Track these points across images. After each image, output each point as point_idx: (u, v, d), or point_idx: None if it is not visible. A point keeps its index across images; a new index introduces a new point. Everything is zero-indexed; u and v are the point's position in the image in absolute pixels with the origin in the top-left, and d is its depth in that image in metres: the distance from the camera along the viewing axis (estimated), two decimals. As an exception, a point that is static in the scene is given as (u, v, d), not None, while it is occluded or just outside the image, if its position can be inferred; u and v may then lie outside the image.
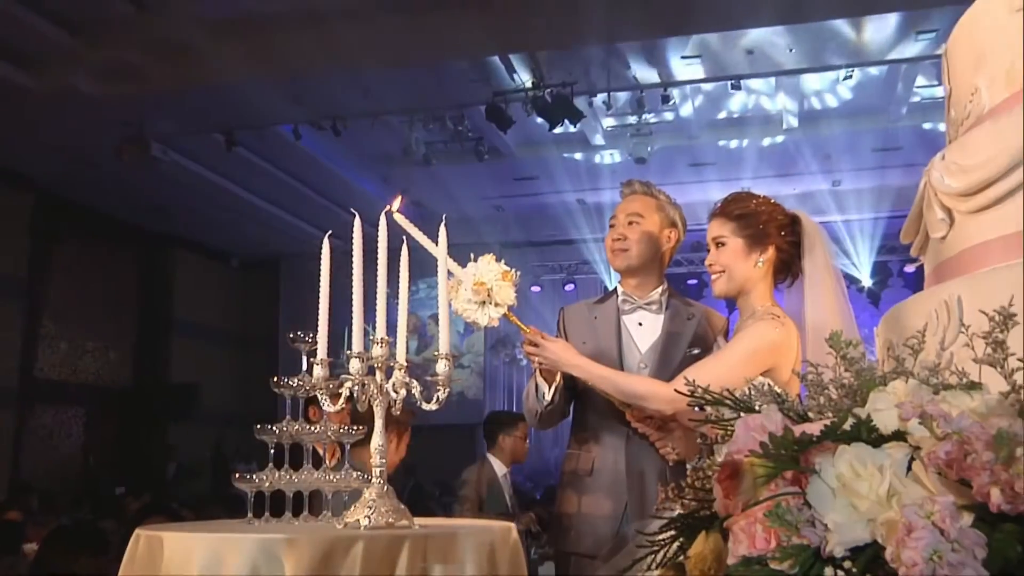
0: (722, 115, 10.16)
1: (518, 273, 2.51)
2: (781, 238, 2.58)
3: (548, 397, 2.85)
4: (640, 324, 3.03)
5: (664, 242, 3.06)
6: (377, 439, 2.06)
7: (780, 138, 10.44)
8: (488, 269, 2.48)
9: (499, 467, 5.42)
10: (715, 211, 2.65)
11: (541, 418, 2.94)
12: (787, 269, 2.61)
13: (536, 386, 2.90)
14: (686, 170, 10.79)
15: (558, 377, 2.84)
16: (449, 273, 2.34)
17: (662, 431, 2.70)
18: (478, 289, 2.44)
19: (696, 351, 2.91)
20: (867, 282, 12.69)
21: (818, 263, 2.54)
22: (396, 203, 2.24)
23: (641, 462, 2.86)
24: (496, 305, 2.47)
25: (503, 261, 2.53)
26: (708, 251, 2.66)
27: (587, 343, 2.95)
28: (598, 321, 3.04)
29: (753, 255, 2.57)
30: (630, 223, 3.03)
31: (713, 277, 2.63)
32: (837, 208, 11.69)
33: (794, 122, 9.98)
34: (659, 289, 3.06)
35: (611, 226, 3.10)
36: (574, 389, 2.98)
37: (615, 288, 3.13)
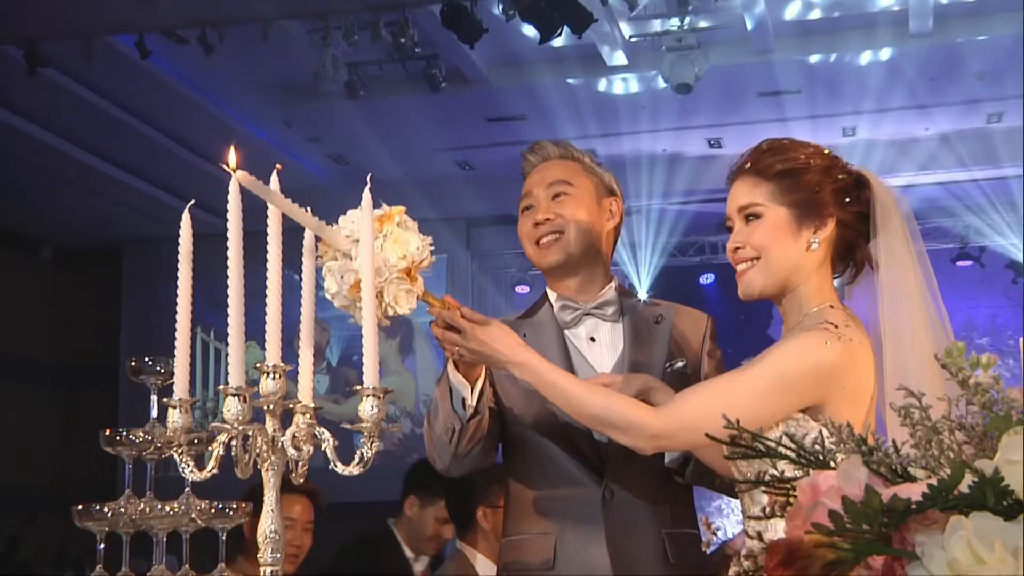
0: (812, 15, 10.19)
1: (433, 258, 2.46)
2: (844, 208, 2.61)
3: (472, 401, 2.85)
4: (593, 339, 3.16)
5: (606, 218, 3.24)
6: (267, 522, 2.10)
7: (905, 48, 10.47)
8: (389, 250, 2.38)
9: (485, 566, 5.02)
10: (741, 167, 2.68)
11: (458, 447, 2.90)
12: (847, 255, 2.66)
13: (451, 390, 2.88)
14: (755, 103, 10.83)
15: (482, 373, 2.86)
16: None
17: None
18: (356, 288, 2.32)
19: (680, 363, 3.06)
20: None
21: (895, 246, 2.58)
22: (231, 156, 2.08)
23: (633, 541, 2.92)
24: (390, 310, 2.39)
25: (418, 227, 2.44)
26: (729, 230, 2.67)
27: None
28: (530, 341, 2.98)
29: (804, 232, 2.60)
30: (556, 196, 3.17)
31: (741, 268, 2.65)
32: (998, 156, 11.68)
33: (927, 24, 10.01)
34: (611, 286, 3.21)
35: (523, 210, 3.21)
36: (510, 425, 3.04)
37: (544, 294, 3.26)
